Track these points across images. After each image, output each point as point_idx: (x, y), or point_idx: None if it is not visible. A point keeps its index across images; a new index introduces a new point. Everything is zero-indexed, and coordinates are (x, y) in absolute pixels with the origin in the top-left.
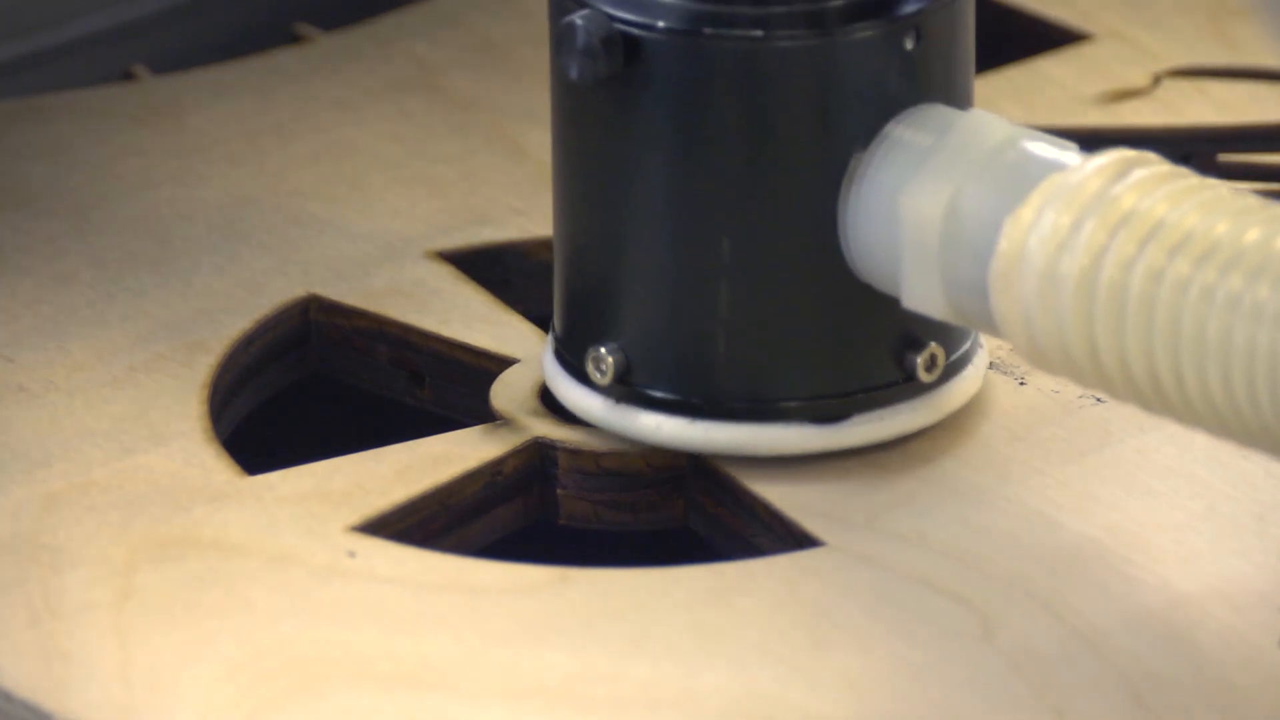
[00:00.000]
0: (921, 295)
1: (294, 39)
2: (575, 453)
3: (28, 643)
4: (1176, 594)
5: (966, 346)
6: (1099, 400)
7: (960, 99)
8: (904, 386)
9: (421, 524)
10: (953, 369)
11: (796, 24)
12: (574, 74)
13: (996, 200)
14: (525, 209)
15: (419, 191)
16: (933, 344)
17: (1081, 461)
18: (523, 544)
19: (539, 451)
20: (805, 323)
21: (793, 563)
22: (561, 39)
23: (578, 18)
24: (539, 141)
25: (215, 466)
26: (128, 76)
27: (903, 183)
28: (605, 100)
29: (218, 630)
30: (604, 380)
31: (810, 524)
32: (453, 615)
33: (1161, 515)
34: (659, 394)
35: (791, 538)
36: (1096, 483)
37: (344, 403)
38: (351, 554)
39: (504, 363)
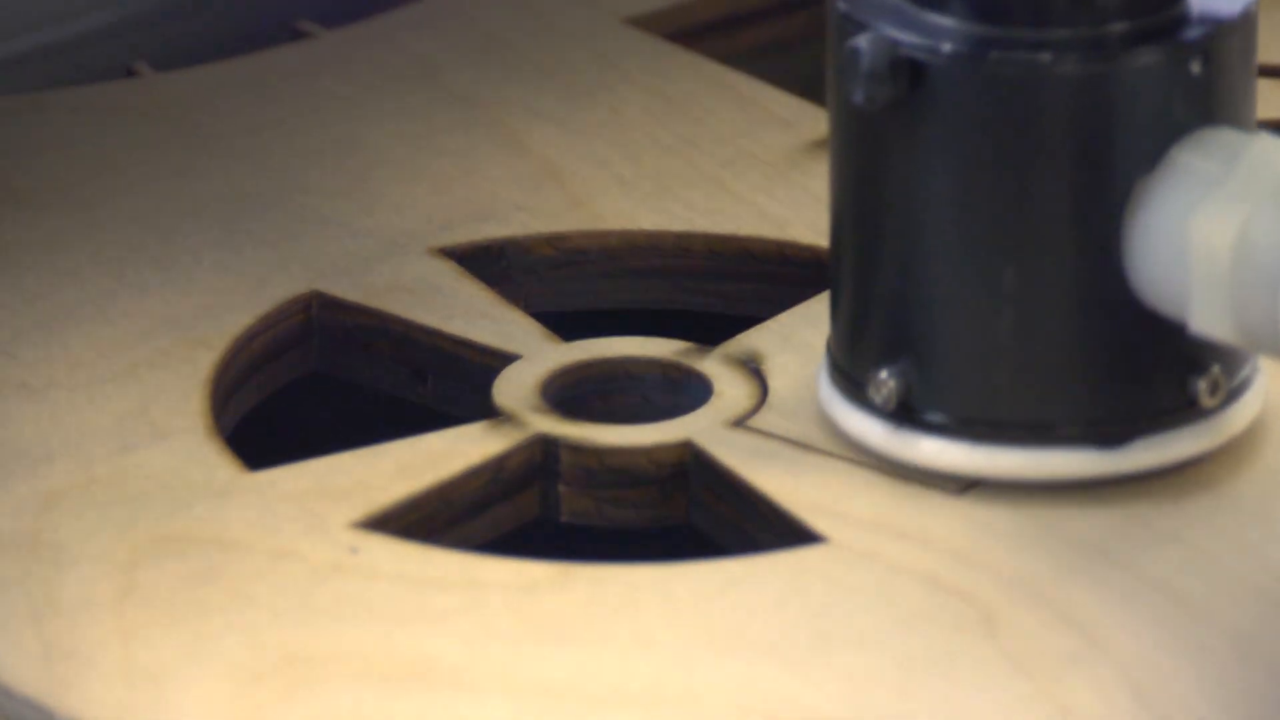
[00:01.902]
0: (1211, 321)
1: (296, 35)
2: (577, 449)
3: (29, 639)
4: (1181, 592)
5: (1247, 371)
6: None
7: (1245, 121)
8: (1185, 411)
9: (424, 520)
10: (1234, 393)
11: (1082, 49)
12: (859, 99)
13: None
14: (527, 205)
15: (421, 187)
16: (1215, 368)
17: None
18: (525, 541)
19: (541, 448)
20: (1088, 348)
21: (795, 559)
22: (846, 63)
23: (863, 41)
24: (541, 137)
25: (217, 463)
26: (130, 73)
27: (1191, 209)
28: (888, 124)
29: (219, 627)
30: (886, 405)
31: (813, 520)
32: (455, 612)
33: (1168, 513)
34: (940, 419)
35: (794, 534)
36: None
37: (346, 399)
38: (353, 550)
39: (506, 359)
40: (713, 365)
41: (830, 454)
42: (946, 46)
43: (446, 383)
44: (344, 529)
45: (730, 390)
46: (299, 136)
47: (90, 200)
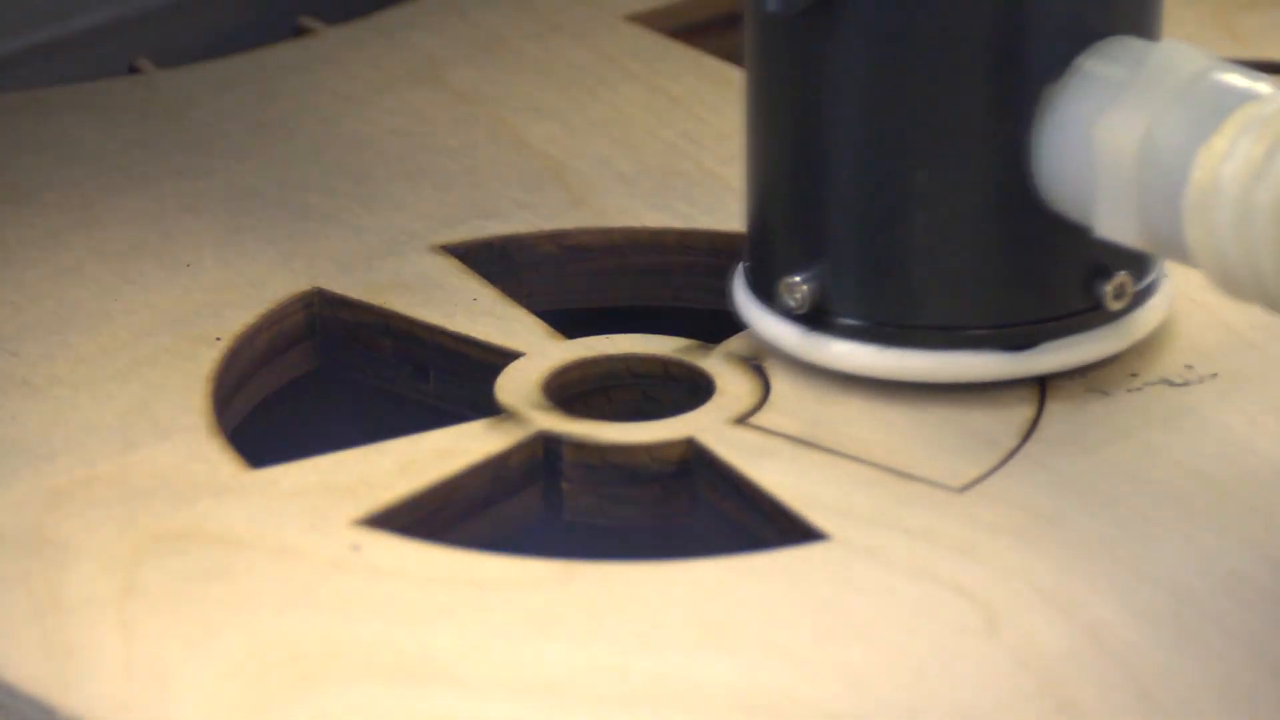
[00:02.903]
0: (1115, 224)
1: (298, 32)
2: (580, 446)
3: (31, 637)
4: (1183, 589)
5: (1154, 276)
6: (1105, 394)
7: (1151, 30)
8: (1092, 314)
9: (426, 518)
10: (1140, 297)
11: None
12: (773, 6)
13: (1191, 130)
14: (529, 202)
15: (423, 185)
16: (1121, 273)
17: (1088, 455)
18: (527, 538)
19: (544, 445)
20: (996, 251)
21: (797, 556)
22: None
23: None
24: (543, 134)
25: (219, 460)
26: (132, 70)
27: (1096, 114)
28: (800, 33)
29: (221, 624)
30: (798, 309)
31: (815, 517)
32: (457, 609)
33: (1168, 510)
34: (851, 322)
35: (796, 531)
36: (1103, 476)
37: (348, 397)
38: (356, 548)
39: (509, 356)
40: (715, 363)
41: (832, 451)
42: None
43: (449, 380)
44: (346, 526)
45: (732, 388)
46: (301, 133)
47: (92, 197)
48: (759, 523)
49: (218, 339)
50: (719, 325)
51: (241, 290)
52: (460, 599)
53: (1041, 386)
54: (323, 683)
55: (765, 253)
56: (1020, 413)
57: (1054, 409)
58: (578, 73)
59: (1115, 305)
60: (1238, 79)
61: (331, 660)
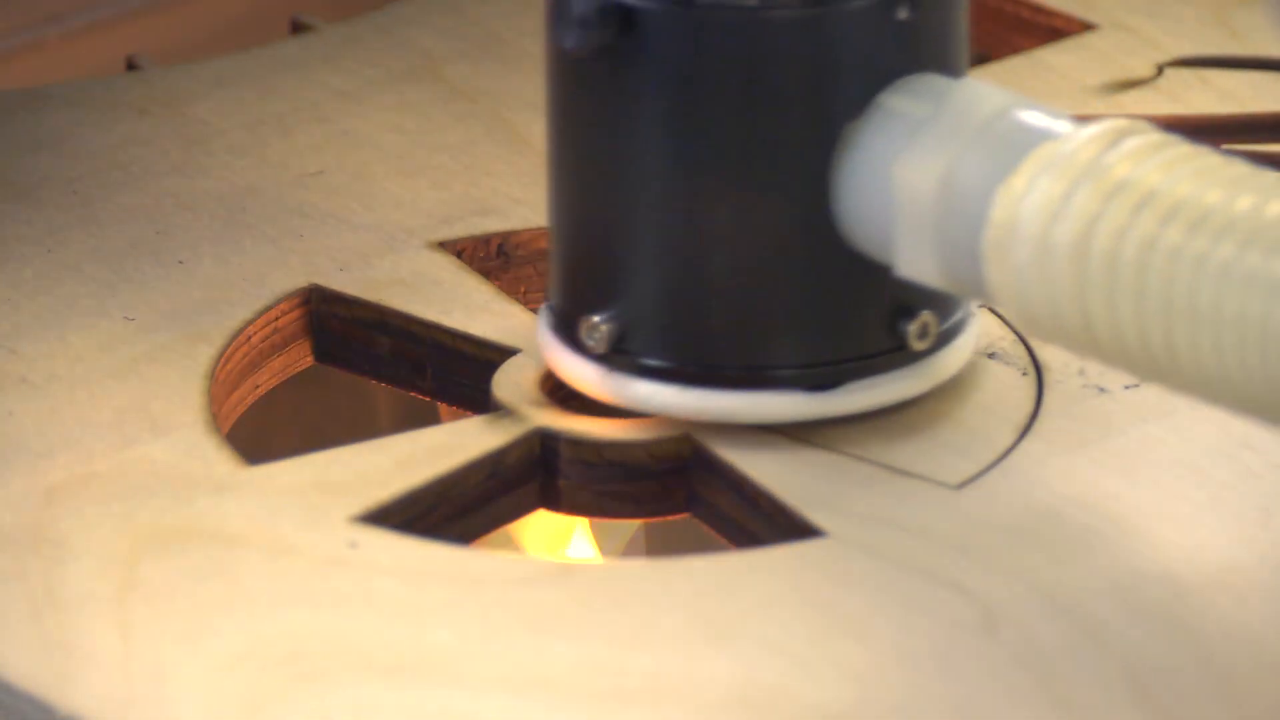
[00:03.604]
0: (916, 263)
1: (296, 29)
2: (577, 443)
3: (29, 634)
4: (1181, 585)
5: (959, 316)
6: (1102, 390)
7: (954, 68)
8: (896, 355)
9: (423, 515)
10: (945, 337)
11: None
12: (569, 43)
13: (990, 169)
14: (527, 199)
15: (421, 182)
16: (925, 312)
17: (1084, 452)
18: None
19: (541, 442)
20: (798, 291)
21: (794, 553)
22: (557, 9)
23: None
24: (541, 131)
25: (217, 457)
26: (130, 66)
27: (896, 152)
28: (599, 71)
29: (219, 621)
30: (598, 348)
31: (812, 514)
32: (454, 606)
33: (1165, 506)
34: (653, 362)
35: (793, 528)
36: (1100, 473)
37: (345, 393)
38: (353, 545)
39: (506, 353)
40: None
41: (829, 449)
42: None
43: (446, 377)
44: (344, 523)
45: None
46: (298, 131)
47: (90, 194)
48: (756, 520)
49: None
50: None
51: (239, 287)
52: (457, 595)
53: (1039, 383)
54: (320, 679)
55: (567, 291)
56: (1017, 410)
57: (1051, 405)
58: None
59: (919, 345)
60: (1038, 117)
61: (329, 657)
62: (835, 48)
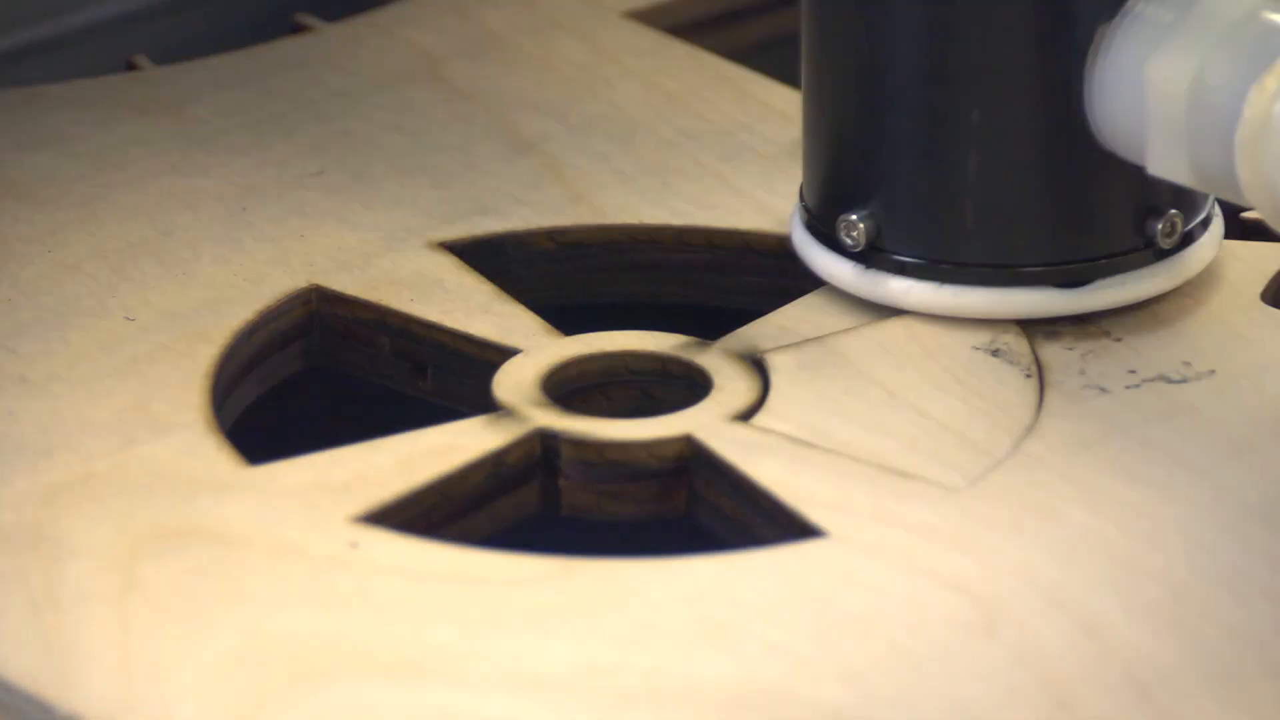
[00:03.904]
0: (1167, 163)
1: (296, 29)
2: (578, 443)
3: (29, 634)
4: (1181, 585)
5: (1204, 214)
6: (1103, 390)
7: None
8: (1143, 253)
9: (424, 515)
10: (1190, 236)
11: None
12: None
13: (1241, 69)
14: (527, 199)
15: (421, 182)
16: (1172, 211)
17: (1086, 452)
18: (525, 535)
19: (541, 442)
20: (1051, 189)
21: (795, 553)
22: None
23: None
24: (541, 131)
25: (217, 457)
26: (130, 67)
27: (1148, 55)
28: None
29: (219, 621)
30: (855, 246)
31: (813, 514)
32: (455, 606)
33: (1166, 507)
34: (908, 259)
35: (794, 528)
36: (1101, 473)
37: (345, 393)
38: (354, 545)
39: (506, 353)
40: (713, 359)
41: (830, 450)
42: None
43: (446, 377)
44: (344, 523)
45: (730, 384)
46: (299, 131)
47: (90, 194)
48: (757, 520)
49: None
50: (717, 322)
51: (239, 287)
52: (458, 595)
53: (1040, 383)
54: (321, 680)
55: (823, 191)
56: (1019, 409)
57: (1052, 406)
58: (576, 70)
59: (1166, 243)
60: None
61: (329, 657)
62: None
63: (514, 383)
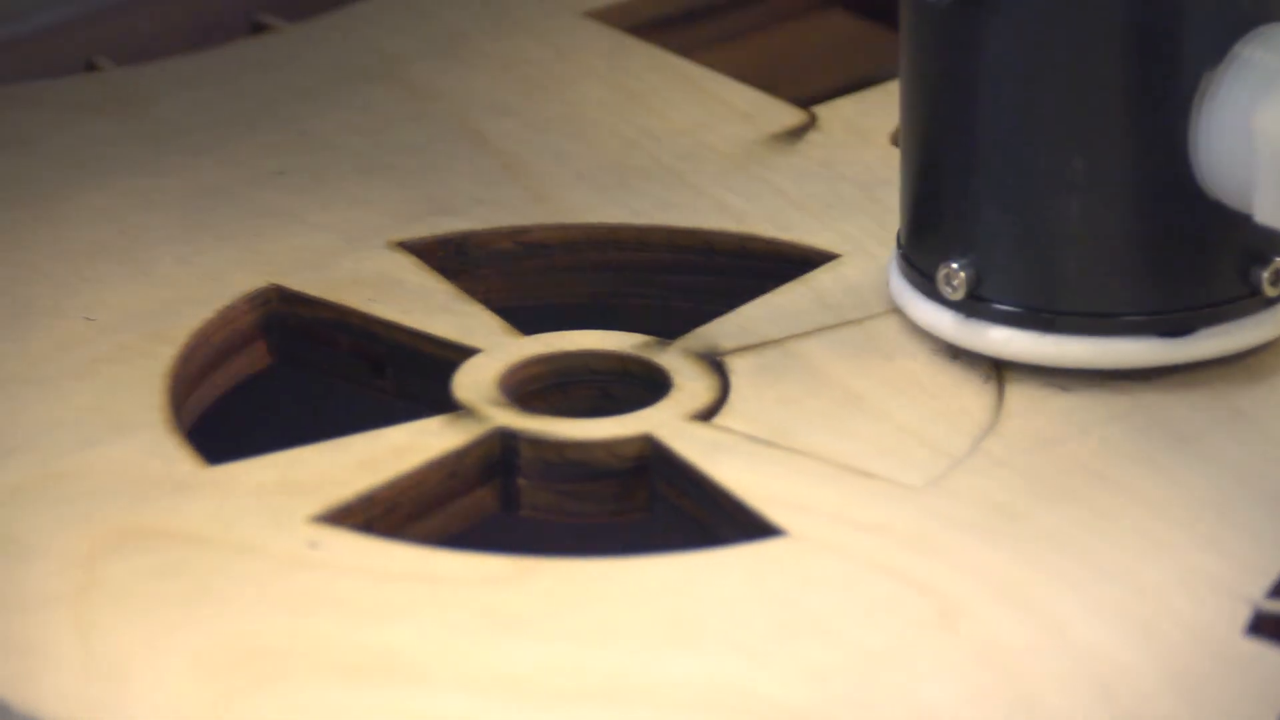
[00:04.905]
0: (1276, 211)
1: (257, 29)
2: (538, 443)
3: None
4: (1141, 584)
5: None
6: (1064, 389)
7: None
8: (1249, 301)
9: (383, 514)
10: None
11: None
12: None
13: None
14: (487, 198)
15: (381, 181)
16: (1277, 259)
17: (1046, 451)
18: (485, 534)
19: (501, 442)
20: (1153, 238)
21: (756, 552)
22: None
23: None
24: (501, 131)
25: (177, 457)
26: (91, 67)
27: (1255, 101)
28: (955, 20)
29: (180, 621)
30: (955, 295)
31: (773, 513)
32: (416, 606)
33: (1125, 505)
34: (1009, 308)
35: (754, 527)
36: (1061, 472)
37: (306, 393)
38: (313, 545)
39: (466, 352)
40: (672, 359)
41: (790, 449)
42: None
43: (406, 376)
44: (304, 523)
45: (690, 384)
46: (259, 131)
47: (51, 195)
48: (717, 519)
49: None
50: (677, 322)
51: (200, 287)
52: (419, 595)
53: (1000, 385)
54: (282, 679)
55: (922, 240)
56: (979, 409)
57: (1012, 406)
58: (536, 69)
59: (1272, 291)
60: None
61: (290, 657)
62: None
63: (473, 382)
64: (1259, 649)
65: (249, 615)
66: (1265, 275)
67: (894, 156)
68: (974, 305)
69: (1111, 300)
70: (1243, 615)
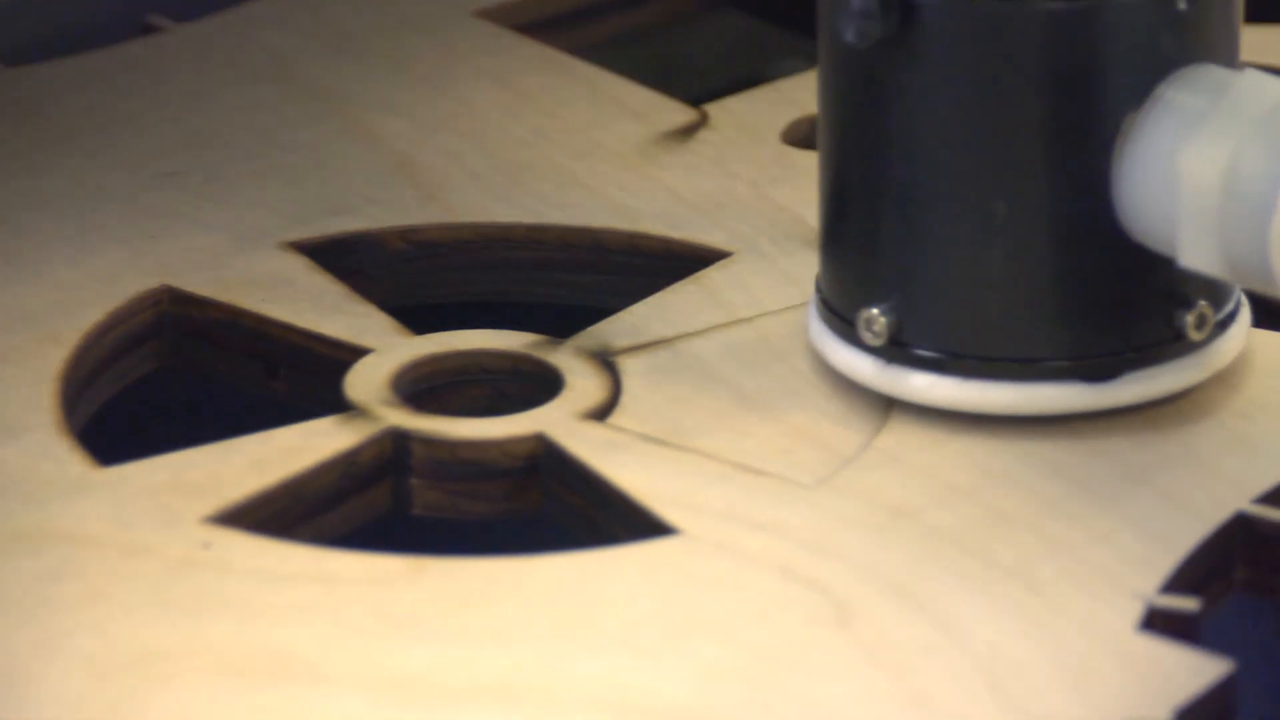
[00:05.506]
0: (1199, 254)
1: (147, 29)
2: (430, 442)
3: None
4: (1034, 581)
5: (1232, 304)
6: None
7: (1231, 59)
8: (1173, 345)
9: (277, 515)
10: (1220, 326)
11: None
12: (849, 36)
13: (1275, 159)
14: (379, 198)
15: (273, 182)
16: (1202, 302)
17: (938, 448)
18: (378, 534)
19: (393, 441)
20: (1076, 283)
21: (648, 551)
22: (837, 2)
23: None
24: (393, 130)
25: (69, 459)
26: None
27: (1178, 143)
28: (876, 63)
29: (72, 623)
30: (876, 341)
31: (666, 512)
32: (310, 606)
33: (1018, 501)
34: (931, 354)
35: (647, 526)
36: (953, 469)
37: (198, 394)
38: (206, 545)
39: (358, 352)
40: (564, 358)
41: (682, 448)
42: None
43: (298, 377)
44: (197, 524)
45: (582, 383)
46: (150, 131)
47: None
48: (609, 518)
49: None
50: (569, 320)
51: (91, 288)
52: (312, 595)
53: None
54: (175, 680)
55: (842, 284)
56: (871, 408)
57: (905, 403)
58: (427, 68)
59: (1197, 335)
60: None
61: (183, 657)
62: (1115, 39)
63: (366, 382)
64: (1152, 644)
65: (142, 617)
66: (1189, 319)
67: (786, 154)
68: (895, 351)
69: (1034, 345)
70: (1136, 611)
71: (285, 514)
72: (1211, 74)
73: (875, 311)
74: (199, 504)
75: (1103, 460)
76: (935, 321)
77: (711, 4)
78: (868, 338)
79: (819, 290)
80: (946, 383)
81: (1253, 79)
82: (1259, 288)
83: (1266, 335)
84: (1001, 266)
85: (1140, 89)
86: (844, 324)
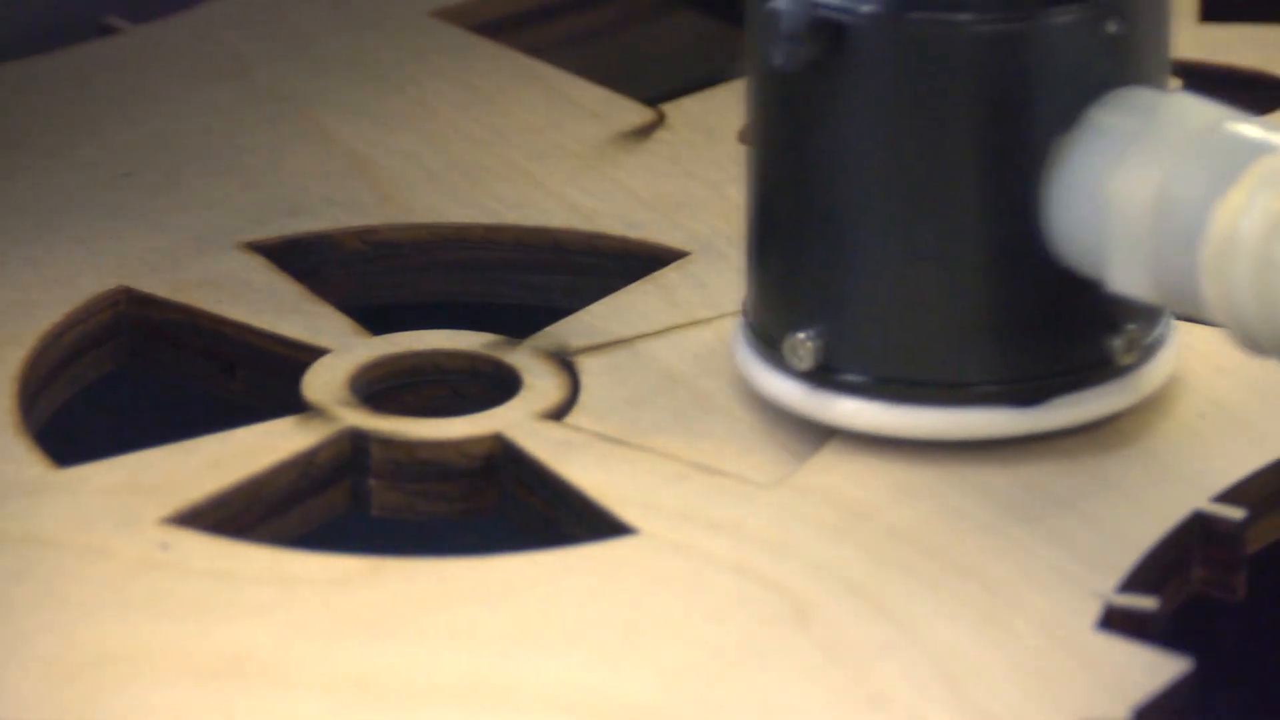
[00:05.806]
0: (1129, 279)
1: (105, 31)
2: (388, 443)
3: None
4: (991, 580)
5: (1161, 328)
6: None
7: (1161, 81)
8: (1102, 369)
9: (235, 515)
10: (1149, 350)
11: (999, 8)
12: (778, 61)
13: (1207, 183)
14: (337, 199)
15: (231, 182)
16: (1131, 326)
17: (895, 448)
18: (336, 535)
19: (351, 442)
20: (1005, 307)
21: (606, 551)
22: (766, 25)
23: (781, 3)
24: (350, 131)
25: (27, 460)
26: None
27: (1108, 167)
28: (807, 86)
29: (30, 625)
30: (803, 365)
31: (624, 512)
32: (267, 607)
33: (974, 503)
34: (858, 379)
35: (605, 526)
36: (910, 468)
37: (157, 395)
38: (165, 546)
39: (315, 353)
40: (522, 358)
41: (640, 448)
42: (865, 7)
43: (256, 377)
44: (155, 525)
45: (540, 383)
46: (108, 132)
47: None
48: (567, 518)
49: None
50: (526, 320)
51: (48, 289)
52: (270, 596)
53: None
54: (133, 682)
55: (768, 308)
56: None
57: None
58: (384, 69)
59: (1126, 359)
60: (1254, 131)
61: (142, 659)
62: (1044, 61)
63: (323, 383)
64: (1110, 643)
65: (100, 618)
66: (1118, 343)
67: (743, 154)
68: (822, 376)
69: (963, 370)
70: (1094, 609)
71: (243, 514)
72: (1142, 97)
73: (802, 336)
74: (157, 505)
75: (1061, 463)
76: (862, 346)
77: (668, 4)
78: (794, 362)
79: (744, 314)
80: (873, 408)
81: (1183, 102)
82: (1189, 312)
83: (1210, 331)
84: (928, 291)
85: (1070, 112)
86: (770, 348)
